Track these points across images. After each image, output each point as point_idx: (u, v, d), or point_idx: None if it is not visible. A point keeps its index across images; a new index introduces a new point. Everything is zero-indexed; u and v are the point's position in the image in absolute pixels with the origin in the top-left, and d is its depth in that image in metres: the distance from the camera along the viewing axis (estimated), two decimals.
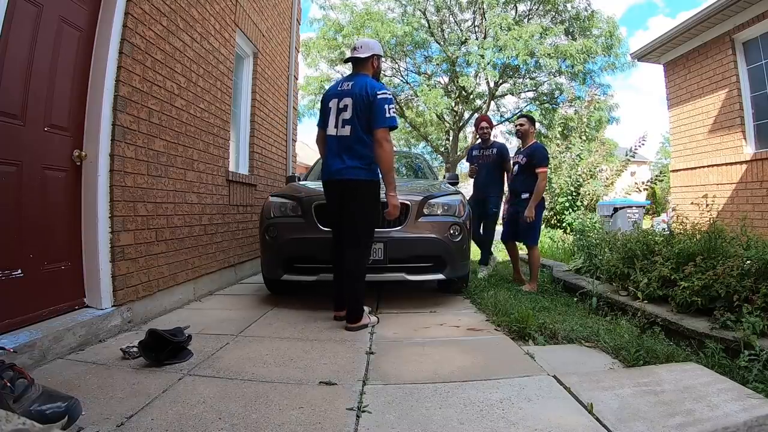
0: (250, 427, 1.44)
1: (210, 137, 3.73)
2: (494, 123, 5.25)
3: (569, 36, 14.45)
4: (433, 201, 3.28)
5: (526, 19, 14.90)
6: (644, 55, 6.38)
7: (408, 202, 3.15)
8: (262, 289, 3.82)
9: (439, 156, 19.29)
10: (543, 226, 7.56)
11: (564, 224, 7.63)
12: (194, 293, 3.47)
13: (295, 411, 1.56)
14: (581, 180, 7.85)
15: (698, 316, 2.48)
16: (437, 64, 16.13)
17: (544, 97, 15.87)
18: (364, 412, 1.56)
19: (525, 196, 3.96)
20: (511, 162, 4.30)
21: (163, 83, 2.98)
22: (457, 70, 15.72)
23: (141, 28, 2.70)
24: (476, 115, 16.54)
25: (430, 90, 14.65)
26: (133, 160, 2.67)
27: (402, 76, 17.41)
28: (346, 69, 16.49)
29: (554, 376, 1.88)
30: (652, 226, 7.15)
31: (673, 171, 6.14)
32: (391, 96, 2.66)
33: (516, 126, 4.24)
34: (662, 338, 2.39)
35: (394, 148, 3.25)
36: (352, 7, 15.14)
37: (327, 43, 15.42)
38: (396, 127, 2.73)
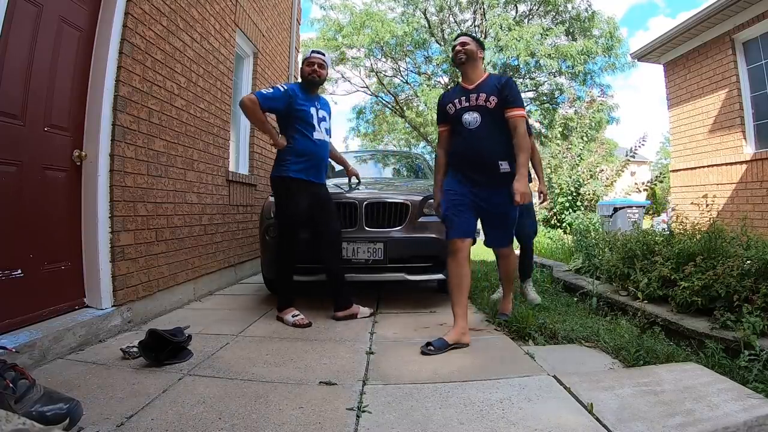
0: (250, 427, 1.44)
1: (210, 137, 3.73)
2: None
3: (570, 36, 14.42)
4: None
5: (526, 20, 14.89)
6: (644, 55, 6.38)
7: (408, 202, 3.16)
8: (262, 289, 3.82)
9: None
10: (543, 227, 7.51)
11: (564, 224, 7.63)
12: (194, 293, 3.47)
13: (295, 411, 1.56)
14: (581, 180, 7.86)
15: (698, 316, 2.48)
16: (437, 64, 16.10)
17: (544, 98, 15.84)
18: (364, 412, 1.56)
19: (504, 167, 2.36)
20: (455, 108, 2.49)
21: (163, 83, 2.98)
22: (458, 70, 15.69)
23: (141, 28, 2.70)
24: None
25: (430, 90, 14.61)
26: (133, 160, 2.67)
27: (402, 76, 17.40)
28: (346, 69, 16.11)
29: (554, 376, 1.88)
30: (651, 226, 7.15)
31: (673, 171, 6.14)
32: (275, 86, 2.89)
33: (456, 48, 2.51)
34: (662, 338, 2.39)
35: (393, 148, 3.34)
36: (352, 7, 15.13)
37: (327, 43, 15.39)
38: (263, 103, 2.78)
